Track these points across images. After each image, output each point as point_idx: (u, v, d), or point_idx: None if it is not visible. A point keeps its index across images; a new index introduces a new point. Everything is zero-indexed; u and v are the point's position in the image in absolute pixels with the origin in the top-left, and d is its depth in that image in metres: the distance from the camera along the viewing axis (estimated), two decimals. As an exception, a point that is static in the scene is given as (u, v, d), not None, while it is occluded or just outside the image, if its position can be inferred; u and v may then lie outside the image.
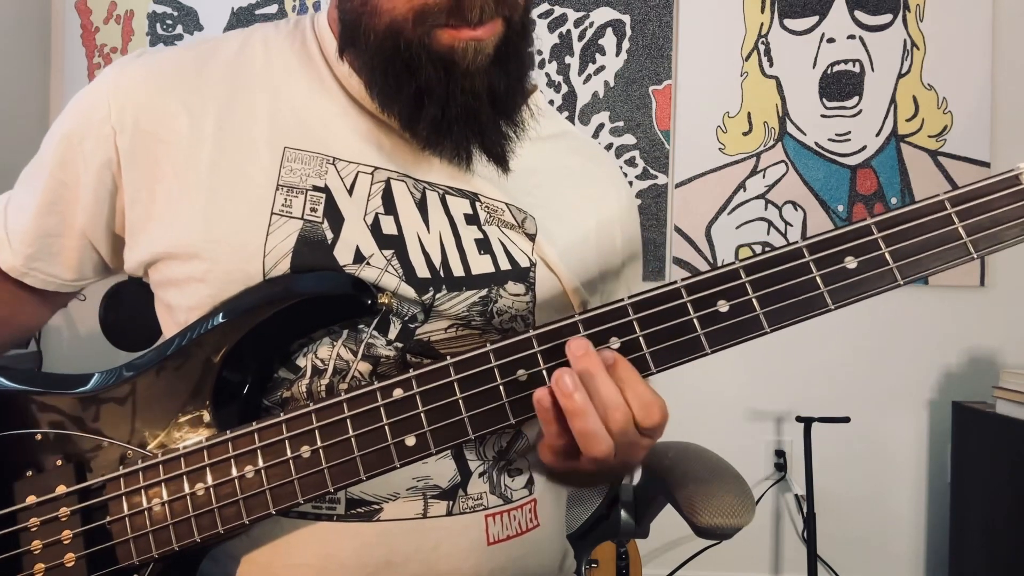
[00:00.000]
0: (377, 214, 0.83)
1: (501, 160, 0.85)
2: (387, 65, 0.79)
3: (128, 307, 1.03)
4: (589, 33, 2.70)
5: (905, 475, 2.64)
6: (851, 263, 0.68)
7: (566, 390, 0.67)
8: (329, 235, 0.81)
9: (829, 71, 2.66)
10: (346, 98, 0.86)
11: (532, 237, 0.87)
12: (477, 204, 0.87)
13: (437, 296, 0.82)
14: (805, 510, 2.46)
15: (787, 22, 2.67)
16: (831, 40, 2.66)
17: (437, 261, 0.83)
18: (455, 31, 0.77)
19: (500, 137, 0.84)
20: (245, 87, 0.86)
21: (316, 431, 0.73)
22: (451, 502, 0.83)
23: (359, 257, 0.81)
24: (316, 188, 0.82)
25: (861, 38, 2.65)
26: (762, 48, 2.68)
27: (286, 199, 0.81)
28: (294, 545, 0.80)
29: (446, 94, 0.79)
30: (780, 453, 2.65)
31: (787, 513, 2.68)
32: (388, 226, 0.83)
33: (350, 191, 0.83)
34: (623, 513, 1.40)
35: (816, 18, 2.66)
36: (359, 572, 0.80)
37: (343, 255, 0.81)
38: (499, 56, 0.80)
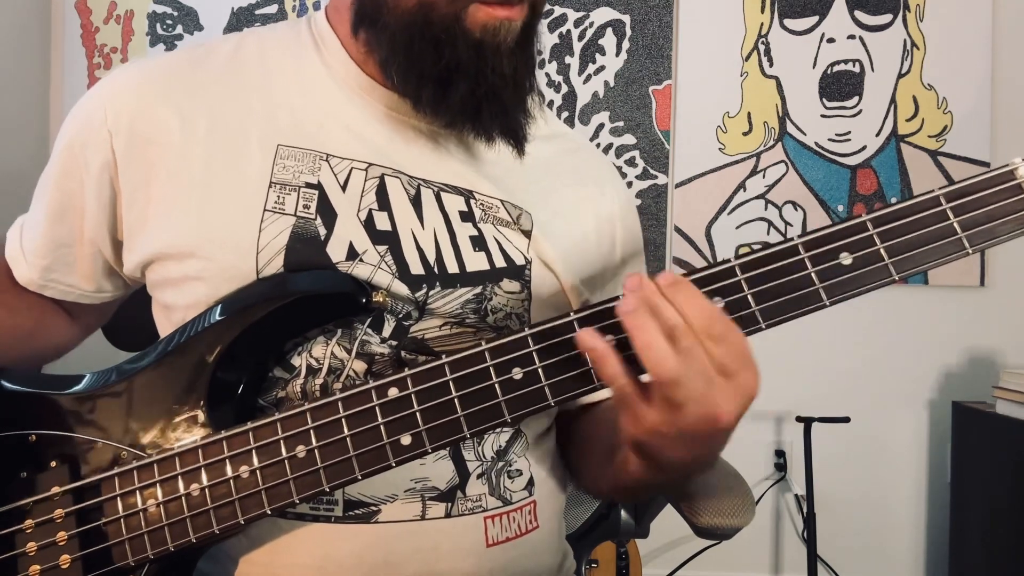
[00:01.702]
0: (371, 210, 0.83)
1: (519, 143, 0.85)
2: (412, 41, 0.79)
3: (128, 307, 1.02)
4: (589, 33, 2.70)
5: (905, 475, 2.64)
6: (846, 259, 0.68)
7: (627, 307, 0.64)
8: (322, 231, 0.81)
9: (829, 71, 2.66)
10: (341, 95, 0.86)
11: (528, 234, 0.87)
12: (472, 201, 0.87)
13: (431, 293, 0.82)
14: (805, 510, 2.46)
15: (787, 22, 2.67)
16: (831, 40, 2.66)
17: (431, 258, 0.83)
18: (491, 8, 0.78)
19: (519, 120, 0.84)
20: (239, 87, 0.86)
21: (311, 431, 0.73)
22: (449, 504, 0.83)
23: (352, 253, 0.81)
24: (309, 185, 0.82)
25: (861, 38, 2.65)
26: (762, 48, 2.68)
27: (279, 196, 0.81)
28: (292, 546, 0.80)
29: (476, 72, 0.79)
30: (780, 453, 2.65)
31: (787, 513, 2.68)
32: (382, 222, 0.83)
33: (343, 187, 0.83)
34: (623, 513, 1.41)
35: (816, 18, 2.66)
36: (357, 572, 0.80)
37: (336, 251, 0.81)
38: (522, 40, 0.81)
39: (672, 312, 0.64)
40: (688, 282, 0.66)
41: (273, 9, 2.77)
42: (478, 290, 0.84)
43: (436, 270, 0.83)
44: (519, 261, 0.86)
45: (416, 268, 0.82)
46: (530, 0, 0.81)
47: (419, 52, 0.79)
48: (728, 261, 0.69)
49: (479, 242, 0.85)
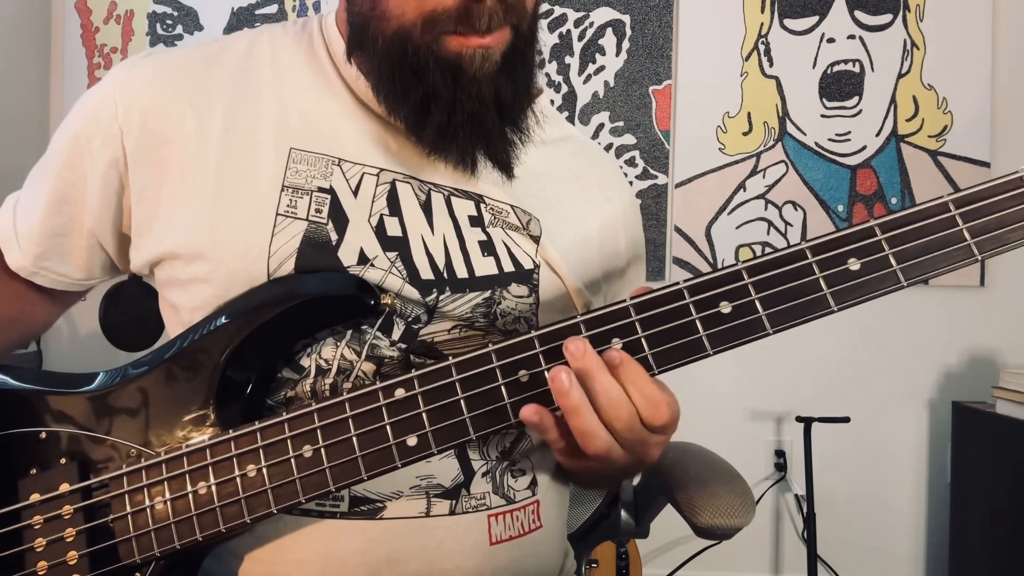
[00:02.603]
0: (382, 215, 0.83)
1: (506, 167, 0.85)
2: (394, 70, 0.79)
3: (128, 307, 1.03)
4: (589, 33, 2.70)
5: (905, 475, 2.64)
6: (854, 265, 0.68)
7: (563, 388, 0.68)
8: (333, 236, 0.81)
9: (829, 71, 2.66)
10: (353, 99, 0.87)
11: (536, 239, 0.88)
12: (482, 206, 0.87)
13: (441, 297, 0.82)
14: (805, 510, 2.46)
15: (787, 22, 2.67)
16: (831, 40, 2.66)
17: (441, 263, 0.83)
18: (463, 38, 0.77)
19: (505, 144, 0.84)
20: (252, 88, 0.86)
21: (318, 430, 0.73)
22: (454, 501, 0.83)
23: (363, 259, 0.81)
24: (321, 189, 0.82)
25: (861, 38, 2.65)
26: (762, 48, 2.68)
27: (291, 200, 0.81)
28: (297, 543, 0.80)
29: (452, 100, 0.79)
30: (780, 453, 2.65)
31: (787, 513, 2.68)
32: (392, 228, 0.83)
33: (355, 192, 0.83)
34: (623, 513, 1.40)
35: (816, 18, 2.66)
36: (361, 569, 0.80)
37: (347, 256, 0.81)
38: (506, 64, 0.80)
39: (615, 392, 0.69)
40: (636, 365, 0.70)
41: (273, 9, 2.77)
42: (487, 294, 0.84)
43: (446, 275, 0.83)
44: (527, 265, 0.86)
45: (426, 273, 0.82)
46: (511, 23, 0.79)
47: (400, 80, 0.79)
48: (735, 265, 0.69)
49: (488, 247, 0.85)
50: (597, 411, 0.69)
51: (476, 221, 0.86)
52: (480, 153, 0.83)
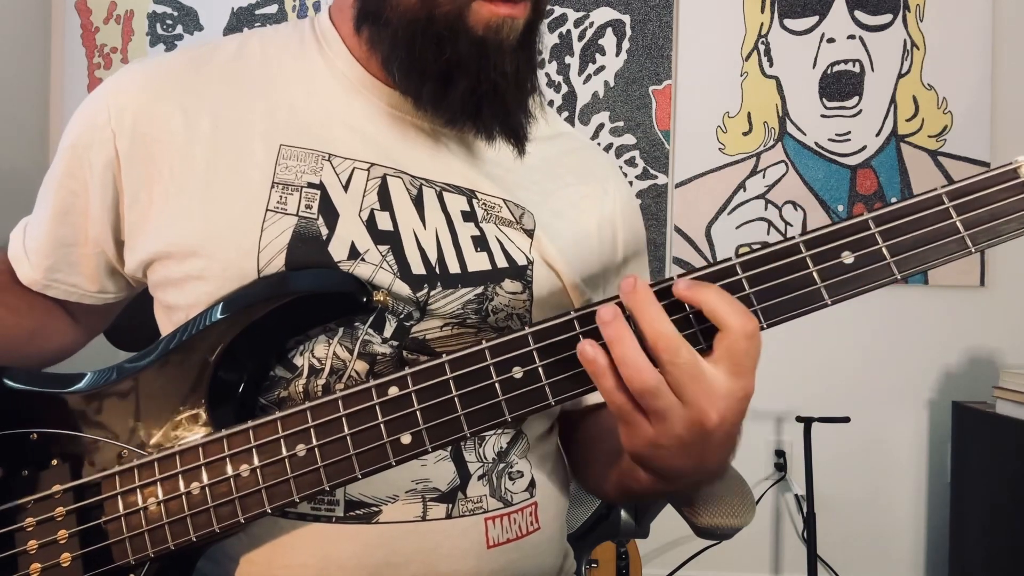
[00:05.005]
0: (372, 210, 0.83)
1: (520, 142, 0.85)
2: (415, 38, 0.79)
3: (128, 307, 1.02)
4: (589, 33, 2.70)
5: (905, 475, 2.64)
6: (848, 258, 0.67)
7: (605, 317, 0.65)
8: (324, 231, 0.81)
9: (829, 71, 2.66)
10: (344, 94, 0.87)
11: (530, 233, 0.87)
12: (474, 201, 0.86)
13: (432, 293, 0.82)
14: (805, 510, 2.46)
15: (787, 22, 2.67)
16: (831, 40, 2.66)
17: (433, 257, 0.83)
18: (494, 5, 0.77)
19: (520, 119, 0.84)
20: (242, 87, 0.86)
21: (311, 429, 0.73)
22: (450, 505, 0.83)
23: (354, 252, 0.81)
24: (311, 185, 0.82)
25: (861, 38, 2.65)
26: (762, 48, 2.68)
27: (281, 196, 0.81)
28: (293, 546, 0.80)
29: (477, 70, 0.79)
30: (780, 453, 2.65)
31: (787, 513, 2.67)
32: (384, 222, 0.83)
33: (345, 187, 0.83)
34: (623, 513, 1.41)
35: (816, 18, 2.66)
36: (358, 573, 0.80)
37: (338, 251, 0.80)
38: (524, 39, 0.81)
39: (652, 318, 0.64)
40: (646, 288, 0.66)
41: (273, 9, 2.77)
42: (479, 290, 0.83)
43: (437, 270, 0.83)
44: (521, 261, 0.86)
45: (417, 268, 0.82)
46: None
47: (421, 49, 0.79)
48: (729, 260, 0.69)
49: (481, 242, 0.85)
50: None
51: (469, 216, 0.86)
52: (497, 126, 0.83)
